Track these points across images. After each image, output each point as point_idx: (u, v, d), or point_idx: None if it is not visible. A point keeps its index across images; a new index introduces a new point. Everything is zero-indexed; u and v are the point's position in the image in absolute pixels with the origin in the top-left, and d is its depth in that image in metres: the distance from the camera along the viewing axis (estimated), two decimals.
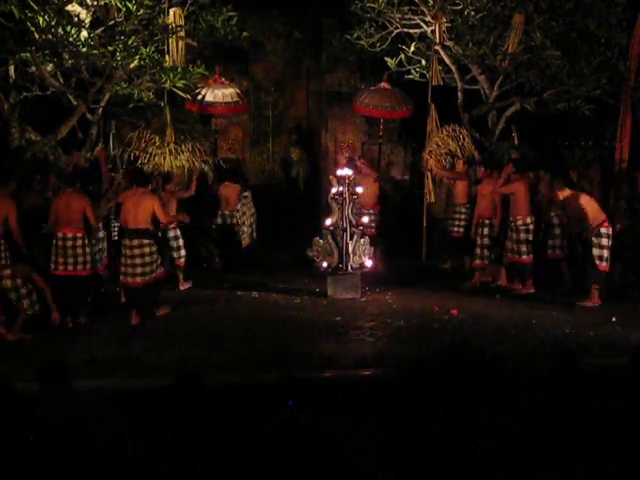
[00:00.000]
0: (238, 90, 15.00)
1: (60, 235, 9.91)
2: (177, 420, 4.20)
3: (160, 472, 3.94)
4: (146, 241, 9.94)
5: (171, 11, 12.55)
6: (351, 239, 11.48)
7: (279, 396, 4.44)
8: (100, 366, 8.16)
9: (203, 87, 14.40)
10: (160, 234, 11.05)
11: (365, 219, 12.35)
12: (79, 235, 9.94)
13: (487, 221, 12.17)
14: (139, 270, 9.93)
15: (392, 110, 15.11)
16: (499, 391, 4.11)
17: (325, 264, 11.54)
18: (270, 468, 3.69)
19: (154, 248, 10.08)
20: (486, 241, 12.16)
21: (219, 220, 14.13)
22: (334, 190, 11.70)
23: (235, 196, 14.06)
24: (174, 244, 11.99)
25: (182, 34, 12.68)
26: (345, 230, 11.45)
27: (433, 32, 14.46)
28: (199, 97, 14.38)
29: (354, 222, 11.60)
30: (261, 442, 3.05)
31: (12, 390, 4.74)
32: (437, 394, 4.21)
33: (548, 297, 11.34)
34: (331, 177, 12.13)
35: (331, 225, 11.64)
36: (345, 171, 11.71)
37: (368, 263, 11.59)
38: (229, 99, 14.63)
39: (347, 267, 11.47)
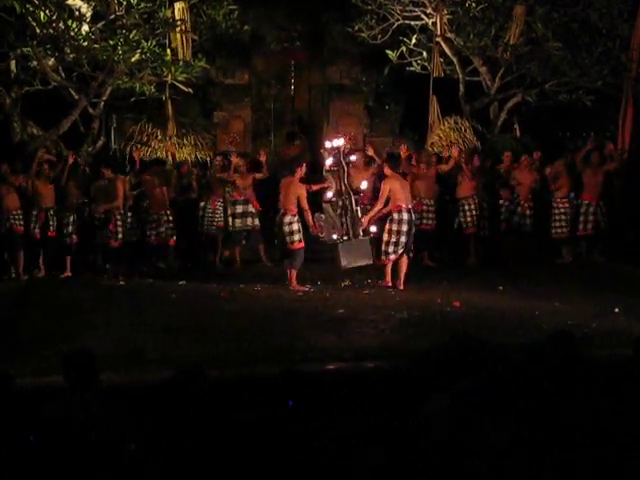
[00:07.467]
0: None
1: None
2: (177, 416, 4.18)
3: (160, 470, 3.93)
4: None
5: (176, 5, 12.55)
6: (357, 205, 11.15)
7: (281, 390, 4.42)
8: (98, 360, 8.11)
9: None
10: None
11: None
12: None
13: None
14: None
15: None
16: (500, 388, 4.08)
17: (335, 236, 11.16)
18: (270, 467, 3.71)
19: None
20: None
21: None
22: (328, 162, 11.32)
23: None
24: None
25: (186, 27, 12.69)
26: (349, 198, 11.15)
27: (434, 24, 14.44)
28: None
29: (353, 189, 11.31)
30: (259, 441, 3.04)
31: (12, 387, 4.72)
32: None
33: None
34: (322, 150, 11.73)
35: (332, 197, 11.28)
36: (335, 142, 11.29)
37: (373, 229, 11.28)
38: None
39: (356, 234, 11.12)
